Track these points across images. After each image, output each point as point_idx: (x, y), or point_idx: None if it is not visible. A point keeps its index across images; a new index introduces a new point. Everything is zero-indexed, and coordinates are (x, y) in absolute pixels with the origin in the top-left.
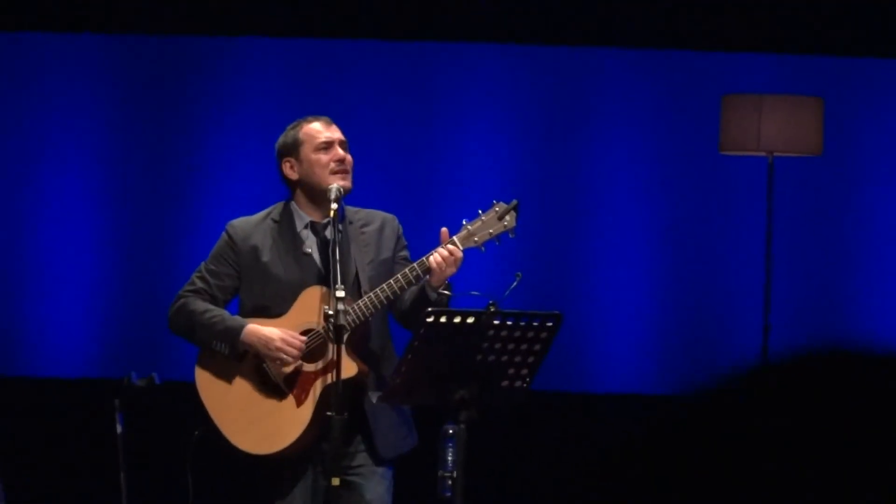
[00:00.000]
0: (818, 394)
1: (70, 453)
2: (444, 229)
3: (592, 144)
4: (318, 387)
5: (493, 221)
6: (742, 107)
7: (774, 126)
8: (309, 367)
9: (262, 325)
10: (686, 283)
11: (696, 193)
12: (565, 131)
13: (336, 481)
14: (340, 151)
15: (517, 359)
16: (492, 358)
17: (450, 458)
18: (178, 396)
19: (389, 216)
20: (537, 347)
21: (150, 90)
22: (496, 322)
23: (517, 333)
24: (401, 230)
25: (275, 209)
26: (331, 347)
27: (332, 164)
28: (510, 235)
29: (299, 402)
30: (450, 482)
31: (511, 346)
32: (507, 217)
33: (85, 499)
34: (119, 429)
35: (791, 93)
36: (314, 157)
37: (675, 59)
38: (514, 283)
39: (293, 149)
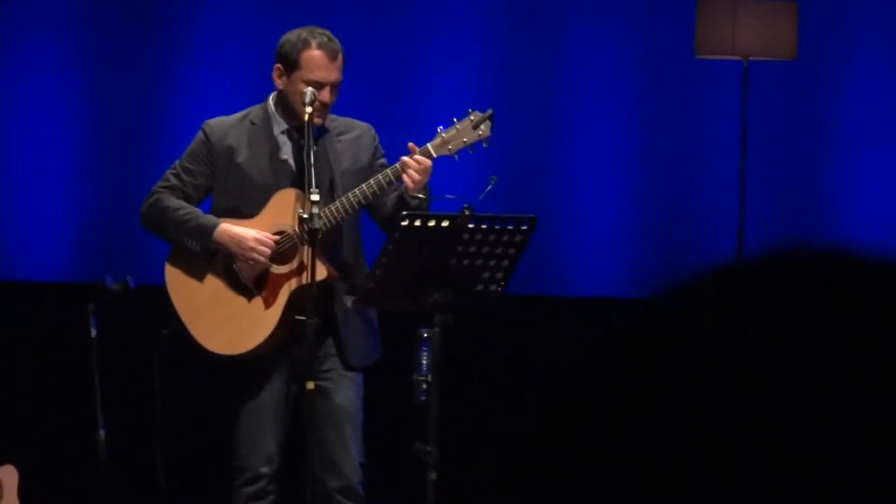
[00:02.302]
0: (784, 291)
1: (44, 357)
2: (411, 144)
3: (567, 48)
4: (287, 289)
5: (467, 130)
6: (717, 10)
7: (749, 30)
8: (279, 270)
9: (233, 224)
10: (661, 187)
11: (671, 97)
12: (539, 35)
13: (311, 385)
14: (327, 96)
15: (492, 262)
16: (466, 261)
17: (424, 362)
18: (153, 300)
19: (366, 125)
20: (512, 251)
21: None
22: (471, 226)
23: (492, 237)
24: (377, 139)
25: (252, 111)
26: (302, 250)
27: (315, 103)
28: (484, 145)
29: (268, 304)
30: (424, 386)
31: (485, 250)
32: (483, 126)
33: (59, 402)
34: (93, 332)
35: None
36: (301, 87)
37: None
38: (489, 187)
39: (288, 64)
